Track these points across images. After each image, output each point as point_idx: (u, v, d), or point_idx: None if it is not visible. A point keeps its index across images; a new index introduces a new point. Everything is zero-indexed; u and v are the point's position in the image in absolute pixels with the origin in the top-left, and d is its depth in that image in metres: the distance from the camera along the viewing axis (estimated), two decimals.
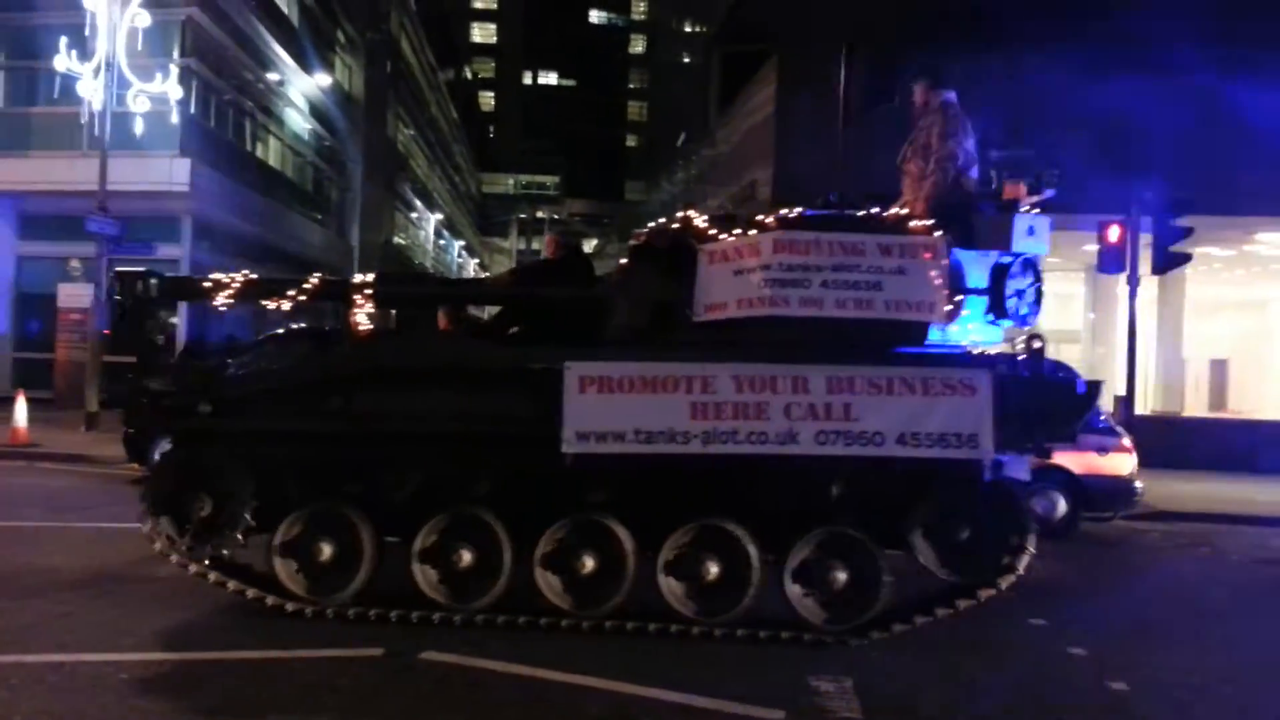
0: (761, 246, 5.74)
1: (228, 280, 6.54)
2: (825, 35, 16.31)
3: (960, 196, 6.20)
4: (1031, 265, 6.05)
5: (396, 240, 43.89)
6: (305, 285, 6.56)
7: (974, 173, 6.42)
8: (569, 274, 6.64)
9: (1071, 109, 16.82)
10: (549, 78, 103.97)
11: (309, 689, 4.86)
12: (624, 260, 6.44)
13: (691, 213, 6.27)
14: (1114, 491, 10.10)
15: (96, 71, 16.76)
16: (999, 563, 5.64)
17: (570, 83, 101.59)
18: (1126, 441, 10.29)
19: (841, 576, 5.66)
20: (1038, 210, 6.12)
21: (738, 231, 5.92)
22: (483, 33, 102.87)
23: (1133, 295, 13.72)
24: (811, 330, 5.69)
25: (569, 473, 5.63)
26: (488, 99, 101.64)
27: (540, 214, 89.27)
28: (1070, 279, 22.16)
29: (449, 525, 5.88)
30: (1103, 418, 10.44)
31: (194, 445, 6.17)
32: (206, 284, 6.77)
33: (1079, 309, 22.81)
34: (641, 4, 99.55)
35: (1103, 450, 10.02)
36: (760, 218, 5.99)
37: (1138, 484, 10.37)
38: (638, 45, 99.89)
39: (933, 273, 5.64)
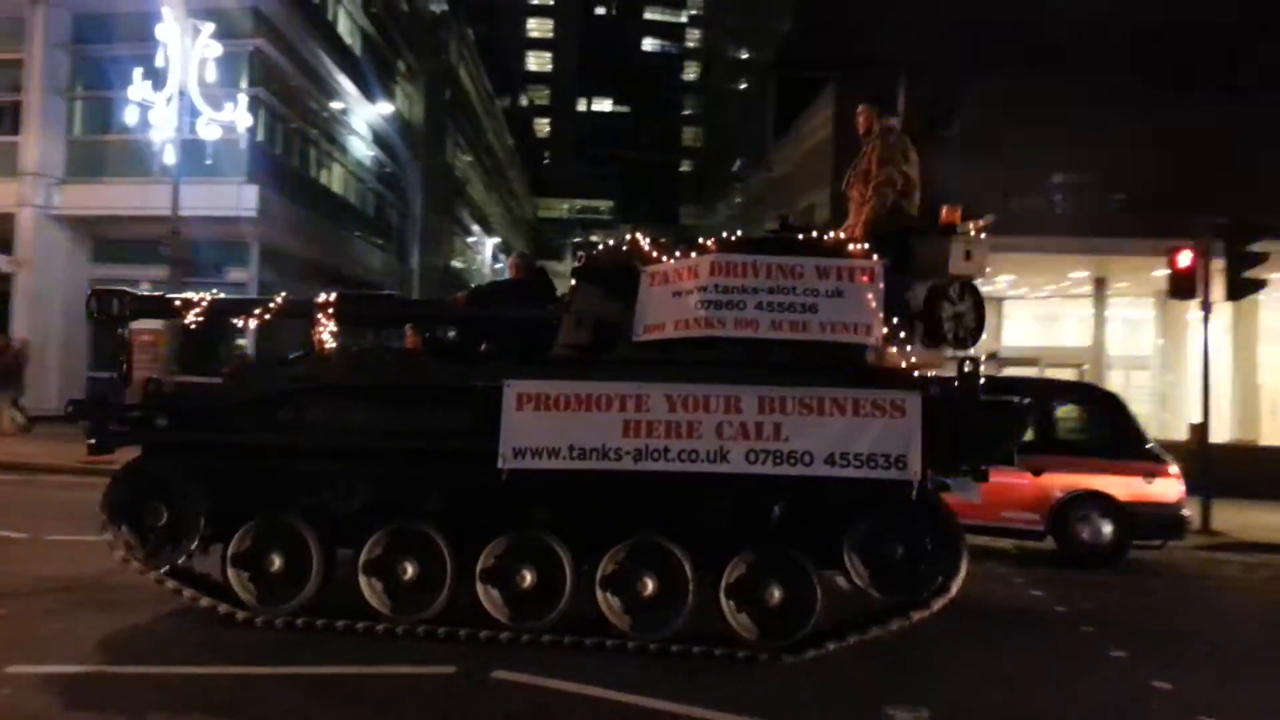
0: (699, 268, 5.88)
1: (196, 299, 6.90)
2: (884, 61, 16.26)
3: (900, 221, 6.30)
4: (970, 289, 6.08)
5: (455, 264, 44.46)
6: (270, 304, 6.84)
7: (917, 196, 6.51)
8: (527, 294, 6.77)
9: (1139, 132, 16.52)
10: (603, 105, 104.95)
11: (380, 706, 4.86)
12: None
13: (639, 235, 6.37)
14: (1161, 519, 9.79)
15: (169, 100, 17.28)
16: (931, 584, 5.65)
17: (624, 109, 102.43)
18: (1173, 468, 10.00)
19: (776, 594, 5.71)
20: (984, 234, 6.15)
21: (678, 254, 6.05)
22: (538, 61, 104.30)
23: (1206, 322, 13.35)
24: (746, 351, 5.78)
25: (509, 488, 5.71)
26: (542, 125, 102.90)
27: (594, 238, 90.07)
28: (1139, 305, 21.68)
29: (393, 539, 6.00)
30: (1149, 444, 10.19)
31: (152, 456, 6.36)
32: (176, 302, 7.04)
33: (1148, 335, 22.29)
34: (695, 31, 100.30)
35: (1149, 476, 9.76)
36: (701, 240, 6.13)
37: (1185, 511, 10.10)
38: (691, 72, 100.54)
39: (869, 296, 5.72)
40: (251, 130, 19.67)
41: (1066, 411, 10.66)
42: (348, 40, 28.28)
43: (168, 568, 6.15)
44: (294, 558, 6.04)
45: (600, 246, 6.59)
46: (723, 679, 5.44)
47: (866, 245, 5.96)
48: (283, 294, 7.33)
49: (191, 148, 17.70)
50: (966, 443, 5.63)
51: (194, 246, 17.44)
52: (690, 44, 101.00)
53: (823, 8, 21.96)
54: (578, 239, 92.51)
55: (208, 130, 17.78)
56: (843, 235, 6.20)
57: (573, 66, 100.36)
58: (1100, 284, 20.89)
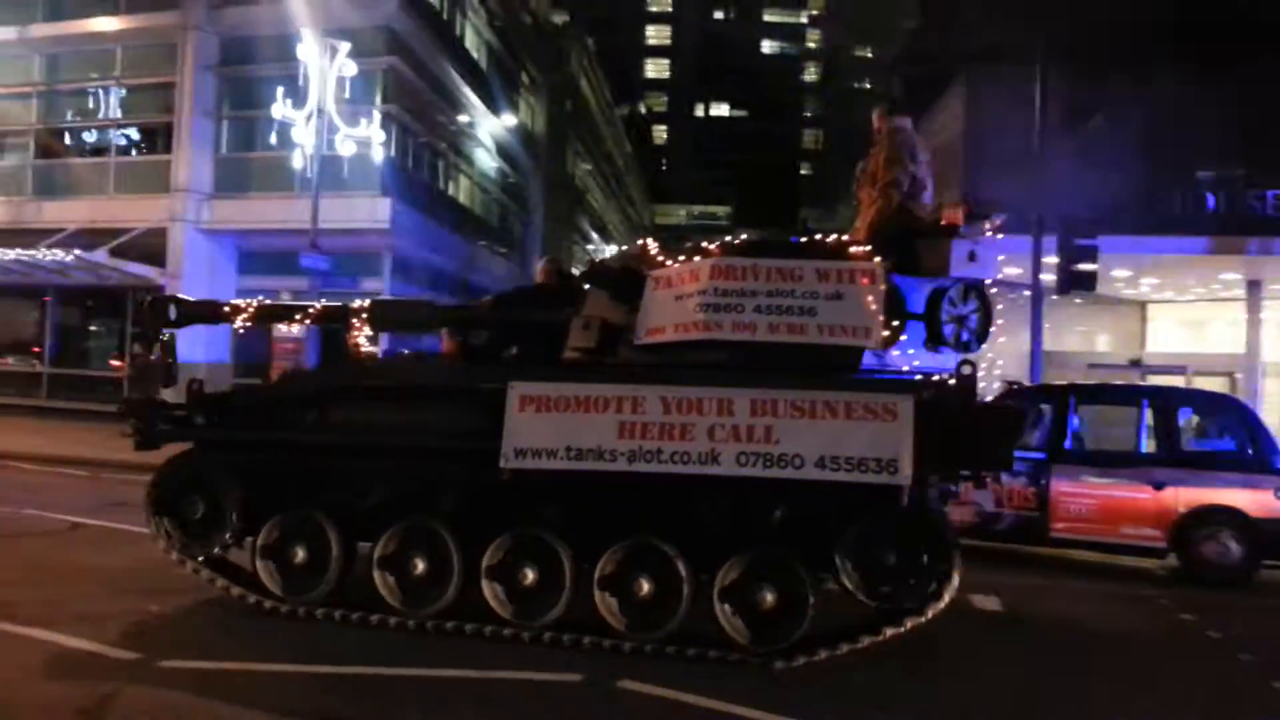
0: (700, 272, 5.89)
1: (244, 305, 7.26)
2: (1017, 55, 15.66)
3: (905, 222, 6.19)
4: (975, 291, 5.97)
5: (575, 271, 45.02)
6: (310, 310, 7.25)
7: (927, 198, 6.40)
8: (552, 297, 6.78)
9: None
10: (721, 109, 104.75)
11: (512, 713, 4.87)
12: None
13: (649, 240, 6.43)
14: None
15: (309, 118, 18.09)
16: (923, 591, 5.54)
17: (742, 113, 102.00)
18: None
19: (769, 598, 5.65)
20: (993, 235, 6.09)
21: (682, 258, 6.06)
22: (656, 68, 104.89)
23: None
24: (743, 354, 5.80)
25: (512, 488, 5.82)
26: (660, 132, 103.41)
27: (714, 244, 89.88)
28: None
29: (406, 535, 6.21)
30: None
31: (191, 452, 6.77)
32: (225, 309, 7.39)
33: None
34: (815, 32, 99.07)
35: None
36: (705, 244, 6.08)
37: None
38: (811, 73, 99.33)
39: (869, 298, 5.64)
40: (385, 145, 20.37)
41: (1192, 422, 10.05)
42: (474, 55, 29.03)
43: (203, 558, 6.51)
44: (317, 551, 6.31)
45: (608, 255, 6.63)
46: (857, 698, 5.25)
47: (869, 247, 5.88)
48: (322, 300, 7.57)
49: (329, 163, 18.46)
50: (960, 447, 5.48)
51: (332, 258, 18.18)
52: (811, 44, 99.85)
53: (953, 1, 21.34)
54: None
55: (344, 146, 18.54)
56: (845, 238, 6.14)
57: (691, 72, 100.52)
58: (1254, 286, 19.56)
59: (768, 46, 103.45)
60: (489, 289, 31.14)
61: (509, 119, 31.33)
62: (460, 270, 27.58)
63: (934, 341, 5.94)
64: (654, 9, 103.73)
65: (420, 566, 6.15)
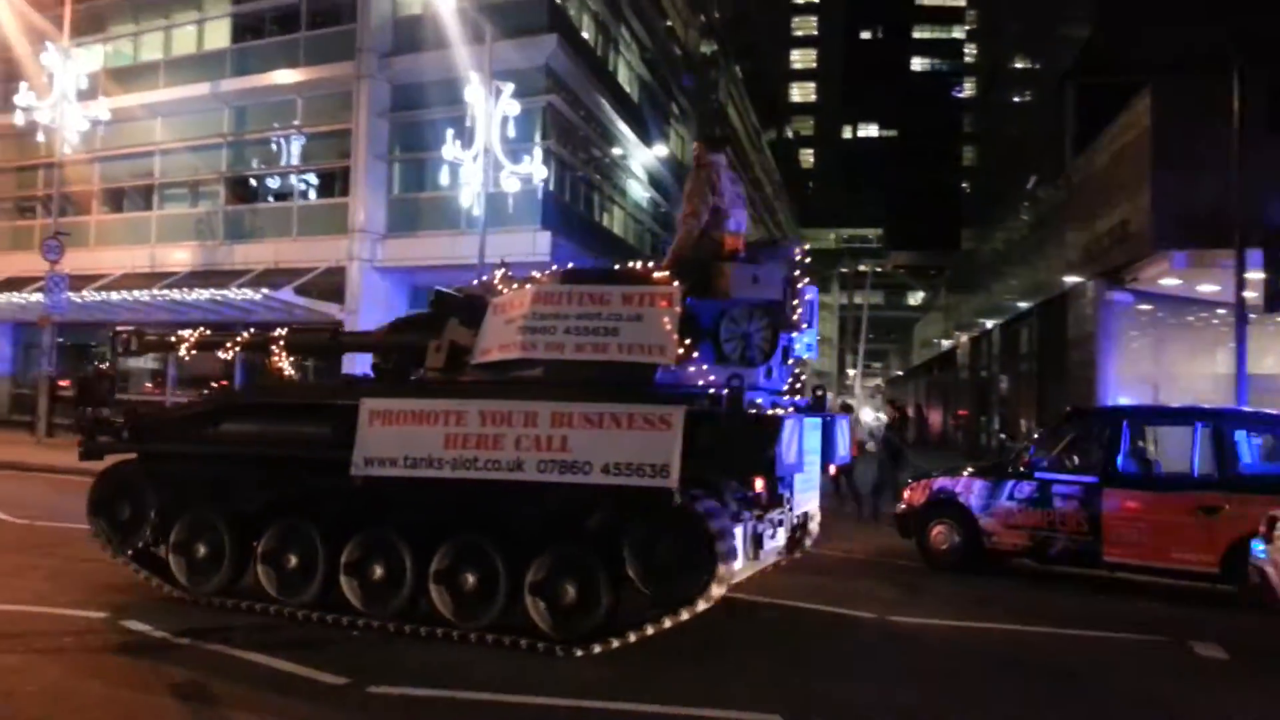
0: (525, 299, 6.49)
1: (187, 336, 8.32)
2: (1209, 60, 14.62)
3: (707, 249, 6.68)
4: (759, 311, 6.32)
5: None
6: (239, 338, 8.26)
7: (732, 225, 6.83)
8: (430, 322, 7.30)
9: None
10: (869, 130, 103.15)
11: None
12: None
13: (499, 272, 7.02)
14: None
15: (475, 158, 18.78)
16: (691, 584, 5.89)
17: (892, 133, 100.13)
18: None
19: (570, 592, 6.15)
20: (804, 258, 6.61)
21: (516, 285, 6.72)
22: (802, 92, 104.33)
23: None
24: (553, 371, 6.42)
25: (363, 492, 6.52)
26: (807, 156, 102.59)
27: (862, 268, 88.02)
28: None
29: (282, 534, 6.98)
30: None
31: (121, 462, 7.72)
32: (171, 339, 8.46)
33: None
34: (971, 46, 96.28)
35: None
36: (535, 274, 6.71)
37: None
38: (969, 89, 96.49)
39: (665, 319, 6.14)
40: (545, 180, 20.91)
41: (1247, 443, 9.40)
42: (626, 88, 29.54)
43: (130, 553, 7.44)
44: (215, 547, 7.18)
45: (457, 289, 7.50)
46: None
47: (668, 273, 6.37)
48: (250, 329, 8.64)
49: (493, 200, 19.07)
50: (725, 454, 5.91)
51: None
52: (968, 59, 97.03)
53: (1133, 7, 20.13)
54: (844, 269, 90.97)
55: (508, 183, 19.12)
56: (651, 265, 6.60)
57: (837, 94, 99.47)
58: None
59: (918, 64, 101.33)
60: None
61: (660, 149, 31.68)
62: None
63: (722, 358, 6.34)
64: (799, 33, 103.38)
65: (293, 561, 6.92)
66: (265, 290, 20.98)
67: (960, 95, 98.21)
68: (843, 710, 5.28)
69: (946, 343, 48.00)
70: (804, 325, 6.74)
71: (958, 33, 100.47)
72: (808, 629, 7.32)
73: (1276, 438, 9.68)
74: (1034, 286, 26.04)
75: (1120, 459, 9.35)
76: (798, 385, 7.52)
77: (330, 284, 22.29)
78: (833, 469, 7.69)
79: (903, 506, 10.85)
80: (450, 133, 19.12)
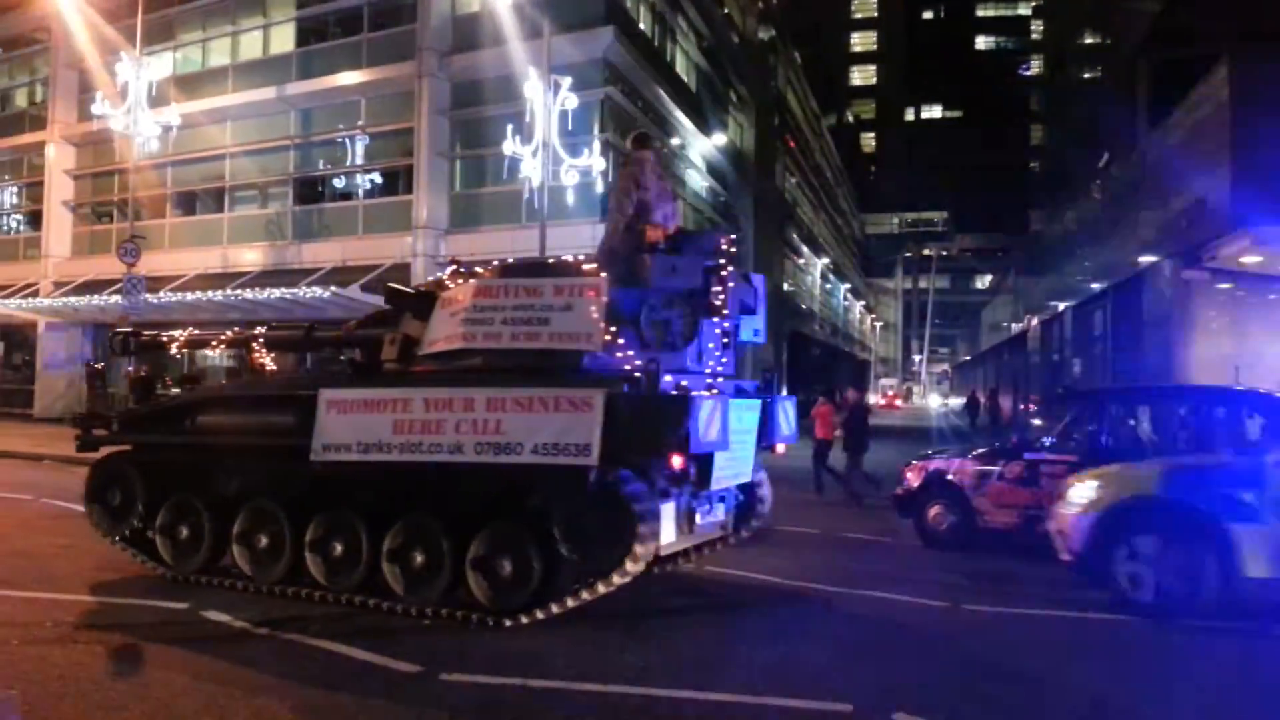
0: (468, 292, 6.87)
1: (178, 336, 9.00)
2: None
3: (631, 242, 7.00)
4: (679, 299, 6.64)
5: (786, 287, 44.65)
6: (223, 335, 8.87)
7: (658, 217, 7.19)
8: (391, 318, 7.68)
9: None
10: (932, 111, 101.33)
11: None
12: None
13: (451, 266, 7.35)
14: None
15: (535, 152, 18.88)
16: (616, 556, 6.18)
17: (956, 114, 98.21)
18: None
19: (507, 566, 6.54)
20: (731, 248, 6.91)
21: (460, 281, 7.07)
22: (862, 75, 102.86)
23: None
24: (491, 359, 6.79)
25: (323, 476, 6.98)
26: (868, 140, 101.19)
27: (927, 252, 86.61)
28: None
29: (254, 516, 7.50)
30: None
31: (113, 453, 8.31)
32: (164, 339, 9.09)
33: None
34: (1037, 22, 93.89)
35: None
36: (478, 269, 7.12)
37: None
38: (1035, 66, 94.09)
39: (592, 309, 6.47)
40: (604, 172, 20.94)
41: (1225, 419, 9.39)
42: (684, 78, 29.43)
43: (120, 536, 8.02)
44: (196, 529, 7.73)
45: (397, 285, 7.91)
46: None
47: (595, 265, 6.72)
48: (234, 328, 9.19)
49: (553, 193, 19.16)
50: (642, 432, 6.20)
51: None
52: (1034, 36, 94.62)
53: None
54: (908, 254, 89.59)
55: (568, 176, 19.19)
56: (582, 257, 6.96)
57: (899, 76, 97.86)
58: None
59: (982, 43, 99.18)
60: None
61: (718, 138, 31.51)
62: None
63: (643, 343, 6.62)
64: (859, 15, 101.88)
65: (264, 541, 7.42)
66: (334, 288, 21.40)
67: (1026, 73, 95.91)
68: (919, 699, 5.20)
69: (1016, 326, 47.00)
70: (727, 311, 6.90)
71: (1023, 9, 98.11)
72: (860, 617, 7.23)
73: (1262, 416, 9.26)
74: (1107, 267, 25.35)
75: (1103, 438, 9.37)
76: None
77: (396, 280, 22.56)
78: (781, 448, 7.93)
79: (900, 489, 11.02)
80: (510, 128, 19.26)
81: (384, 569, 6.89)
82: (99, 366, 9.20)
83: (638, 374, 6.32)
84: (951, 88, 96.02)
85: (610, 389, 6.19)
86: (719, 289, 6.71)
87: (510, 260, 7.45)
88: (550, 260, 7.22)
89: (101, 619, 6.45)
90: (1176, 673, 6.05)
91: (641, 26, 25.58)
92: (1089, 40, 37.34)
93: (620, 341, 6.54)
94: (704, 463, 6.69)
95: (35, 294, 28.27)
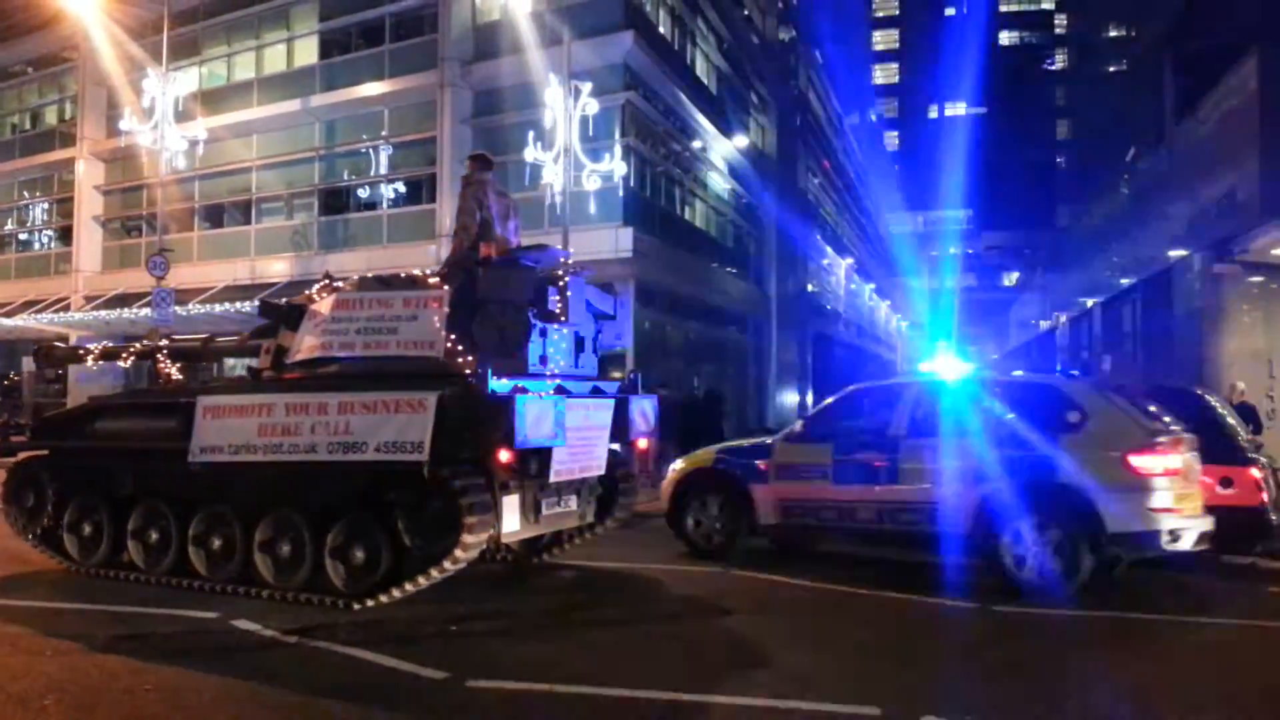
0: (329, 305, 7.52)
1: (94, 349, 9.82)
2: None
3: (471, 257, 7.54)
4: (511, 309, 7.29)
5: (810, 288, 44.46)
6: (132, 348, 9.61)
7: (499, 232, 7.75)
8: (272, 330, 8.26)
9: None
10: (956, 108, 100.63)
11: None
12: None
13: (326, 277, 7.94)
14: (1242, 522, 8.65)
15: (556, 158, 18.95)
16: (448, 543, 6.73)
17: (980, 111, 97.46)
18: (1255, 473, 8.90)
19: (359, 554, 7.12)
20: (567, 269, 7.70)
21: (325, 294, 7.67)
22: (884, 73, 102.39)
23: None
24: (346, 366, 7.45)
25: (202, 476, 7.56)
26: (891, 138, 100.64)
27: (953, 250, 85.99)
28: None
29: (145, 514, 8.15)
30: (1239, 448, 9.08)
31: (24, 458, 9.02)
32: (81, 351, 9.90)
33: None
34: (1061, 17, 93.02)
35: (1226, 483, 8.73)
36: (341, 283, 7.76)
37: (1273, 517, 9.02)
38: (1059, 60, 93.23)
39: (435, 319, 7.14)
40: (625, 177, 20.97)
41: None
42: (704, 80, 29.40)
43: (34, 534, 8.65)
44: (97, 527, 8.38)
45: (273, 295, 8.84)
46: None
47: (438, 278, 7.38)
48: (143, 341, 10.13)
49: (574, 198, 19.22)
50: (471, 430, 6.76)
51: None
52: (1058, 30, 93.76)
53: None
54: (934, 252, 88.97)
55: (589, 181, 19.24)
56: (429, 272, 7.60)
57: (921, 74, 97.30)
58: None
59: (1006, 38, 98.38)
60: (726, 309, 31.33)
61: (740, 140, 31.44)
62: (698, 292, 27.87)
63: (478, 348, 7.12)
64: (880, 14, 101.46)
65: (154, 537, 8.07)
66: None
67: (1051, 68, 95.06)
68: (948, 702, 5.16)
69: (1045, 323, 46.53)
70: (565, 319, 7.57)
71: (1046, 3, 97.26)
72: (881, 619, 7.18)
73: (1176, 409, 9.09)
74: (1136, 262, 25.04)
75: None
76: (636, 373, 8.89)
77: None
78: (643, 444, 8.79)
79: None
80: (531, 135, 19.35)
81: (256, 559, 7.51)
82: (15, 378, 10.15)
83: (467, 378, 6.92)
84: (975, 84, 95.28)
85: (442, 391, 6.74)
86: (559, 298, 7.39)
87: (369, 275, 8.18)
88: (402, 275, 7.81)
89: (133, 629, 6.52)
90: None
91: (661, 30, 25.59)
92: (1114, 33, 36.99)
93: (460, 348, 7.11)
94: (543, 457, 7.25)
95: (66, 308, 28.69)
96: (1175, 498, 7.48)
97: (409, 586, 6.93)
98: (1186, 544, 7.60)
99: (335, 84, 25.19)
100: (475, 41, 23.71)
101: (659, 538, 10.13)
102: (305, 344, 7.66)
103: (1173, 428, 7.94)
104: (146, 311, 22.39)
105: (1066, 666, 6.01)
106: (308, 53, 26.26)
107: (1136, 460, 7.49)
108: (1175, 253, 20.46)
